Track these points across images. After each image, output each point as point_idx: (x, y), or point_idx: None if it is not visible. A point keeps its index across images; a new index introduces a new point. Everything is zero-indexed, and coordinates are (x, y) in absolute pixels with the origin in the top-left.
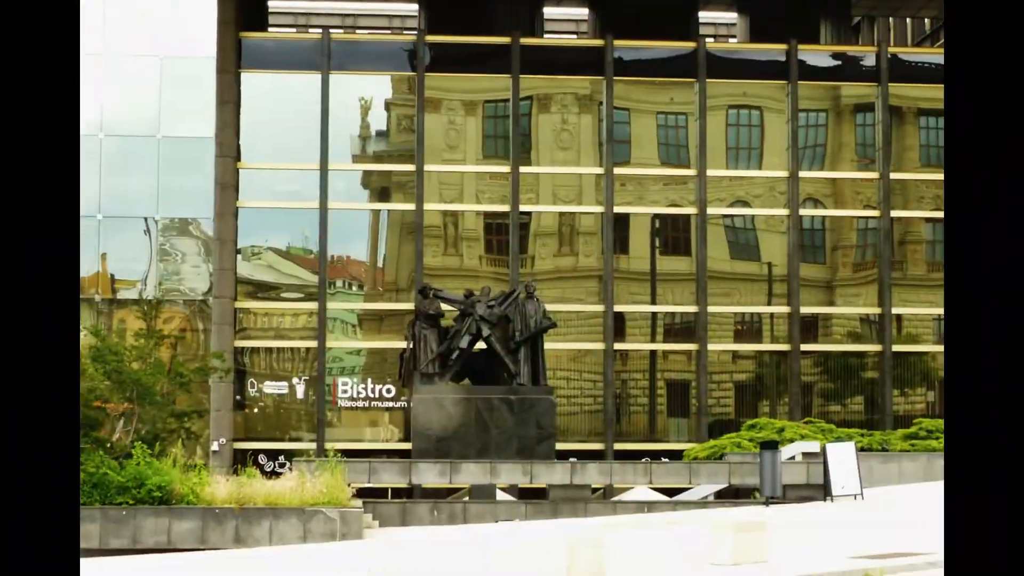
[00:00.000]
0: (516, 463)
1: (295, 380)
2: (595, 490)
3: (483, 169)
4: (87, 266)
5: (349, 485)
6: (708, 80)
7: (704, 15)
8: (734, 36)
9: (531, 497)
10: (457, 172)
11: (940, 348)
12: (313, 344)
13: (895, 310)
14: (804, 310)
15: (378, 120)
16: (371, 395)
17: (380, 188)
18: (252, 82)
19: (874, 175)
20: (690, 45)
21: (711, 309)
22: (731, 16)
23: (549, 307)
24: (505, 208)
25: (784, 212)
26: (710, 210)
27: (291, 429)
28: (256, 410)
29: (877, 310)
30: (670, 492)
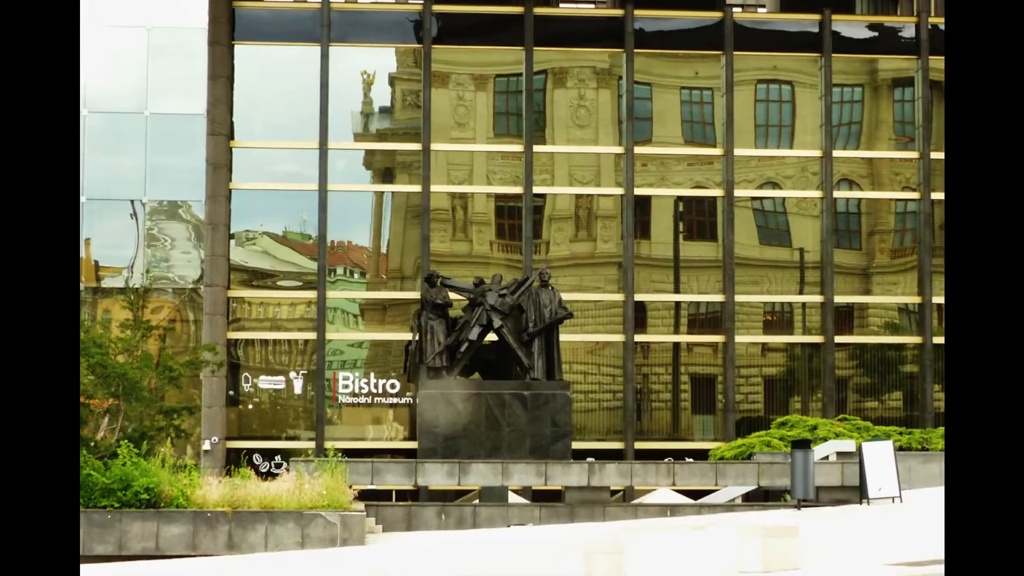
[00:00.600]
0: (529, 463)
1: (292, 374)
2: (614, 492)
3: (494, 148)
4: None
5: (350, 487)
6: (736, 53)
7: None
8: (763, 6)
9: (546, 500)
10: (466, 151)
11: None
12: (312, 336)
13: (936, 299)
14: (838, 299)
15: (381, 96)
16: (374, 390)
17: (384, 168)
18: (246, 55)
19: (914, 155)
20: (716, 15)
21: (739, 298)
22: None
23: (565, 296)
24: (518, 190)
25: (817, 194)
26: (737, 192)
27: (288, 427)
28: (251, 406)
29: (917, 299)
30: (695, 494)
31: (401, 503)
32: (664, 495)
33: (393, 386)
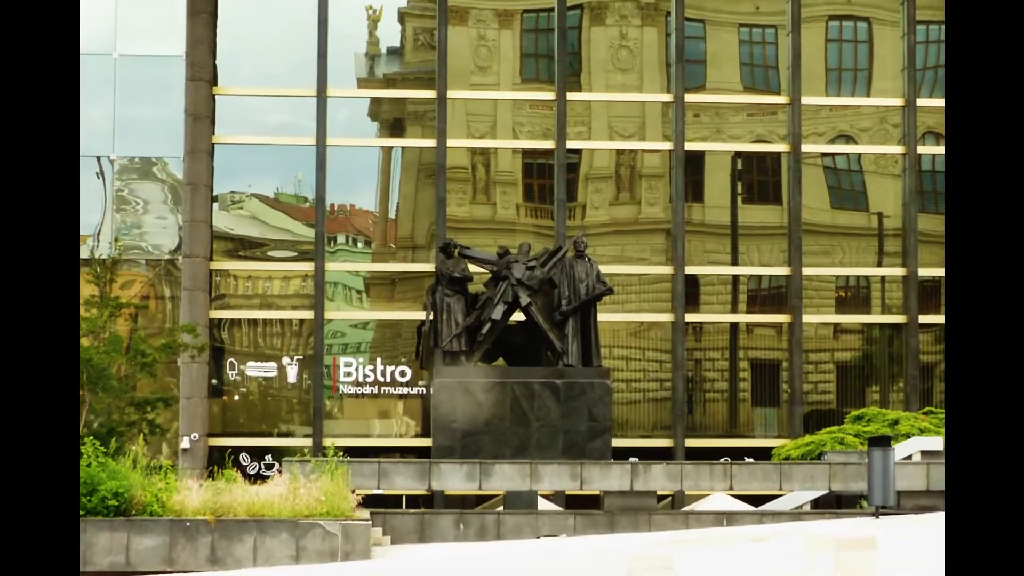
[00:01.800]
0: (562, 464)
1: (286, 360)
2: (662, 498)
3: (521, 96)
4: None
5: (353, 492)
6: None
7: None
8: None
9: (581, 507)
10: (489, 100)
11: None
12: (308, 315)
13: None
14: (923, 272)
15: (390, 35)
16: (380, 379)
17: (392, 120)
18: None
19: None
20: None
21: (807, 271)
22: None
23: (604, 268)
24: (549, 145)
25: (898, 150)
26: (805, 147)
27: (281, 422)
28: (237, 398)
29: None
30: (755, 500)
31: (412, 511)
32: (720, 501)
33: (403, 374)
